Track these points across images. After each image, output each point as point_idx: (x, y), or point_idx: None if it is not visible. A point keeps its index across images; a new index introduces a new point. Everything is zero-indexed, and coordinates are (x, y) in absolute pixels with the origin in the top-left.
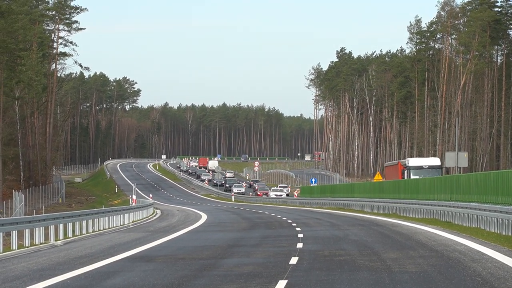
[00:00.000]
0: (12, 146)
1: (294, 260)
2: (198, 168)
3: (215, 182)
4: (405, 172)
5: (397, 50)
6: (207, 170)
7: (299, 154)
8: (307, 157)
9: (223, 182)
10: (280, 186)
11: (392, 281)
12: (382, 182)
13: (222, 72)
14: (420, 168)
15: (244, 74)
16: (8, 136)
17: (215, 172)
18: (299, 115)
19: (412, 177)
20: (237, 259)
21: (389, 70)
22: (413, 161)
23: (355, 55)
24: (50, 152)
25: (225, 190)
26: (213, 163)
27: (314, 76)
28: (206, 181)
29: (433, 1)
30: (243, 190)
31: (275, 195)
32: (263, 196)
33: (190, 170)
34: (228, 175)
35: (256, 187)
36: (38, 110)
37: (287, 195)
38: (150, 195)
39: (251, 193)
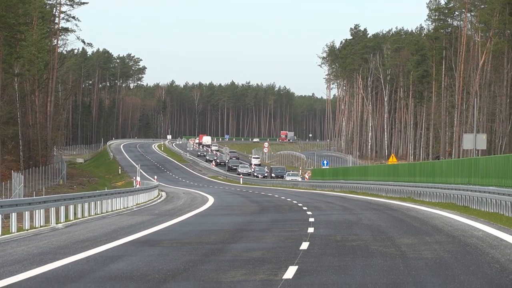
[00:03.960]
0: (11, 125)
1: (305, 245)
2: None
3: (218, 161)
4: None
5: (416, 28)
6: (214, 151)
7: (310, 135)
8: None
9: (226, 161)
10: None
11: (407, 267)
12: (396, 165)
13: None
14: None
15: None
16: (7, 114)
17: (222, 154)
18: (311, 95)
19: None
20: (245, 244)
21: (405, 48)
22: None
23: (370, 32)
24: (51, 131)
25: (227, 170)
26: (206, 139)
27: (326, 54)
28: (213, 163)
29: None
30: (249, 170)
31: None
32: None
33: (199, 153)
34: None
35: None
36: (39, 88)
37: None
38: (155, 177)
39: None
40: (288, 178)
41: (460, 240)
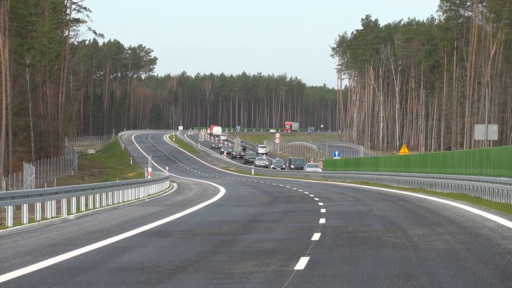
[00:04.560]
0: (22, 116)
1: (316, 236)
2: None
3: (233, 154)
4: None
5: (427, 19)
6: (226, 143)
7: (322, 126)
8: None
9: (242, 154)
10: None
11: (419, 258)
12: (408, 156)
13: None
14: None
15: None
16: (19, 105)
17: (233, 144)
18: (322, 85)
19: None
20: (257, 235)
21: (416, 39)
22: None
23: (381, 23)
24: (62, 122)
25: (244, 163)
26: (217, 129)
27: (337, 44)
28: (225, 154)
29: None
30: (266, 163)
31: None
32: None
33: (213, 145)
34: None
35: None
36: (50, 79)
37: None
38: (166, 168)
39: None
40: (308, 169)
41: (471, 231)
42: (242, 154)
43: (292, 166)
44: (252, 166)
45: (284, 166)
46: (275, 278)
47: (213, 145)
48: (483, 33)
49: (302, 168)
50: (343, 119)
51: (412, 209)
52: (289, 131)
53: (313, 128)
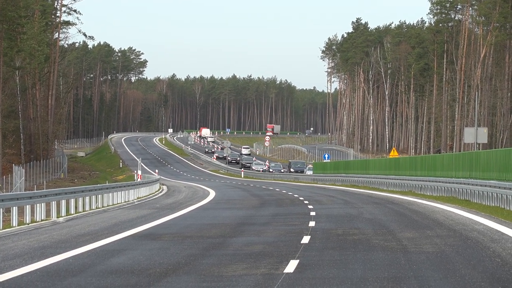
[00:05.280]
0: (12, 118)
1: (306, 239)
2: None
3: (229, 159)
4: None
5: (418, 22)
6: (219, 148)
7: (312, 129)
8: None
9: (238, 159)
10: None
11: (408, 261)
12: (398, 159)
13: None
14: None
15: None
16: (9, 108)
17: (225, 147)
18: (312, 88)
19: None
20: (246, 237)
21: (405, 42)
22: None
23: (372, 26)
24: (52, 125)
25: (241, 168)
26: (205, 131)
27: (327, 47)
28: (214, 157)
29: None
30: (264, 168)
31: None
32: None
33: (207, 149)
34: (244, 151)
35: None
36: (40, 81)
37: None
38: (156, 171)
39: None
40: (309, 173)
41: (461, 234)
42: (238, 159)
43: (292, 170)
44: (242, 169)
45: (282, 170)
46: (265, 281)
47: (207, 150)
48: (473, 36)
49: (302, 172)
50: (333, 122)
51: (402, 212)
52: (271, 133)
53: (311, 130)
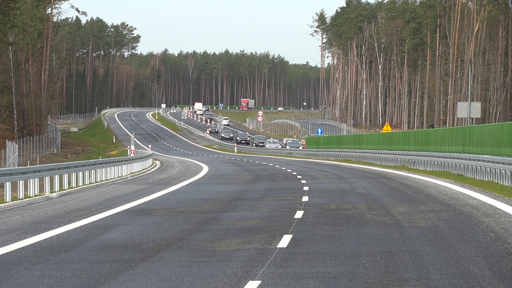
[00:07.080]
0: (5, 94)
1: (299, 214)
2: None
3: (222, 135)
4: None
5: None
6: (212, 122)
7: (304, 104)
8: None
9: (248, 139)
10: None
11: (402, 236)
12: (391, 133)
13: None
14: None
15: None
16: (2, 83)
17: (217, 122)
18: (305, 63)
19: None
20: (239, 213)
21: (399, 17)
22: None
23: (365, 0)
24: (45, 100)
25: (256, 146)
26: (198, 105)
27: (317, 23)
28: (207, 132)
29: None
30: (278, 146)
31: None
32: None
33: (210, 129)
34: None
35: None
36: (33, 57)
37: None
38: (149, 146)
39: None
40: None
41: (454, 208)
42: (248, 139)
43: (254, 144)
44: (235, 144)
45: (301, 147)
46: (258, 256)
47: (210, 129)
48: (466, 10)
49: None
50: (326, 97)
51: (395, 187)
52: (245, 108)
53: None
